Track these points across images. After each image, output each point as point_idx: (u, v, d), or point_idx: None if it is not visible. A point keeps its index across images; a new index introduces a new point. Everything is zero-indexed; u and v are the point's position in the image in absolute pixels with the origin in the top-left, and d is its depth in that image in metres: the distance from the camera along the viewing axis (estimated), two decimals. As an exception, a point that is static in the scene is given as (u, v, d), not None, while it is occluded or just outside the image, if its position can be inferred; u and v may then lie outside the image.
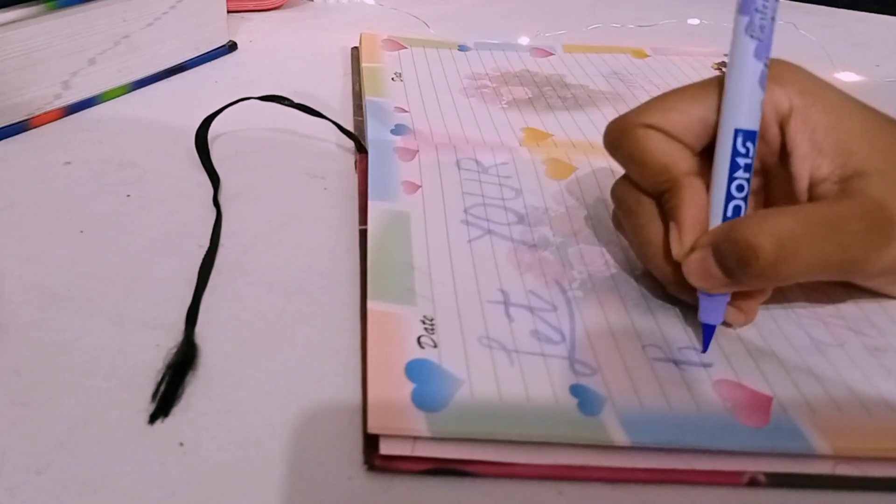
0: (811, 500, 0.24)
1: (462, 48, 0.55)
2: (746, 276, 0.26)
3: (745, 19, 0.28)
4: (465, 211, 0.35)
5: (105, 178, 0.38)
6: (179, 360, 0.27)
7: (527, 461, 0.24)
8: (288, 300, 0.31)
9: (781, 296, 0.31)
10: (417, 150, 0.39)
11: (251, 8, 0.64)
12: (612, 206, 0.34)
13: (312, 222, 0.36)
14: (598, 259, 0.32)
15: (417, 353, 0.26)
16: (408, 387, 0.25)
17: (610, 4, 0.72)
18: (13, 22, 0.40)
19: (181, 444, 0.24)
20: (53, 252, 0.33)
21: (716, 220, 0.28)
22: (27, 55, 0.41)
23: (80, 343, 0.28)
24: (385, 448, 0.24)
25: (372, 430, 0.23)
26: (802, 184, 0.28)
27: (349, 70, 0.53)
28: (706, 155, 0.29)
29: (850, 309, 0.30)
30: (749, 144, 0.28)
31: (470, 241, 0.33)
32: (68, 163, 0.40)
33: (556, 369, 0.26)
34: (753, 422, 0.25)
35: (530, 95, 0.48)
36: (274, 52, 0.56)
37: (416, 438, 0.24)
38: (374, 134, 0.41)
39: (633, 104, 0.48)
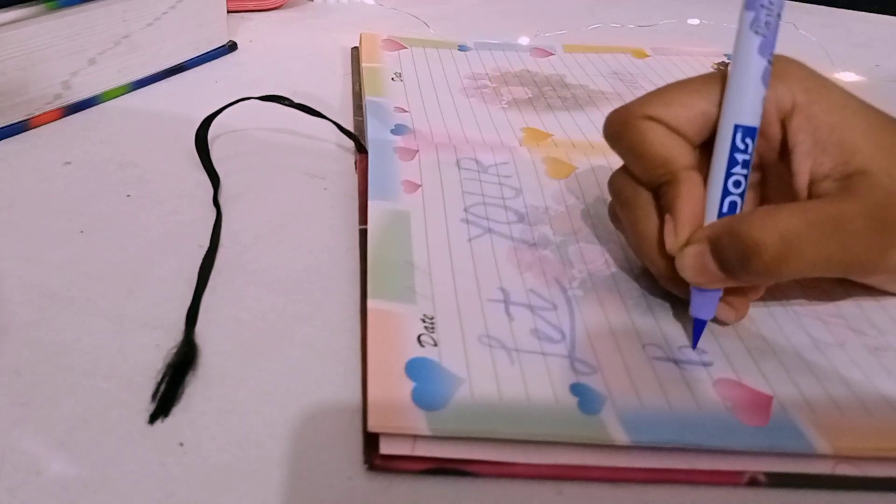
0: (811, 500, 0.24)
1: (462, 48, 0.55)
2: (748, 272, 0.26)
3: (750, 15, 0.28)
4: (466, 210, 0.35)
5: (105, 178, 0.38)
6: (179, 360, 0.27)
7: (527, 461, 0.24)
8: (288, 300, 0.31)
9: (782, 295, 0.31)
10: (417, 150, 0.39)
11: (251, 8, 0.64)
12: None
13: (312, 222, 0.36)
14: (599, 258, 0.32)
15: (418, 352, 0.26)
16: (408, 385, 0.25)
17: (610, 4, 0.72)
18: (13, 22, 0.40)
19: (181, 444, 0.24)
20: (53, 252, 0.33)
21: (711, 215, 0.28)
22: (27, 55, 0.41)
23: (80, 343, 0.28)
24: (385, 447, 0.24)
25: (372, 428, 0.23)
26: (803, 180, 0.28)
27: (349, 70, 0.53)
28: (706, 149, 0.29)
29: (851, 308, 0.30)
30: (748, 141, 0.28)
31: (470, 239, 0.33)
32: (68, 163, 0.40)
33: (556, 368, 0.26)
34: (754, 421, 0.25)
35: (530, 95, 0.48)
36: (274, 52, 0.56)
37: (415, 438, 0.24)
38: (374, 134, 0.41)
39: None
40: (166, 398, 0.26)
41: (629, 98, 0.48)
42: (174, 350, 0.27)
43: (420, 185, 0.36)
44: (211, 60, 0.53)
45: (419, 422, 0.24)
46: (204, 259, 0.32)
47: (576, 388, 0.25)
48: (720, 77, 0.29)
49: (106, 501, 0.22)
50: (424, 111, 0.45)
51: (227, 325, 0.29)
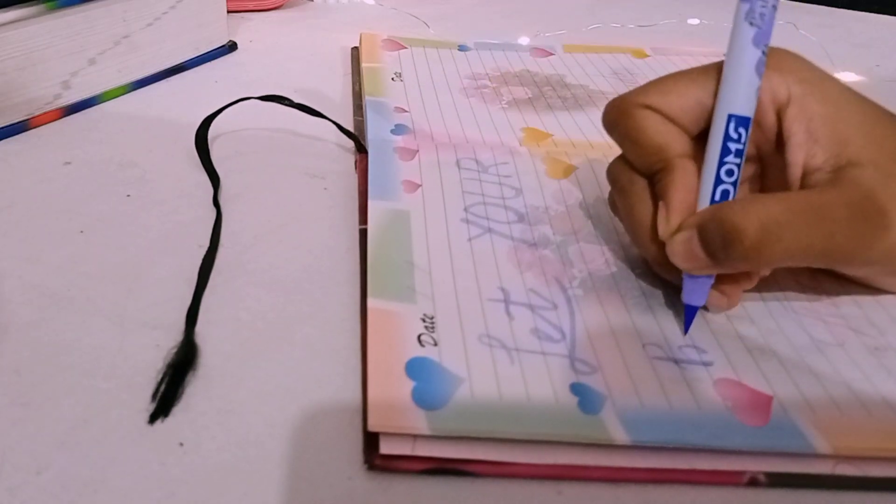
0: (811, 500, 0.24)
1: (462, 48, 0.55)
2: (729, 257, 0.26)
3: (745, 6, 0.28)
4: (466, 209, 0.35)
5: (105, 178, 0.38)
6: (179, 360, 0.27)
7: (527, 461, 0.24)
8: (288, 300, 0.31)
9: (781, 294, 0.31)
10: (417, 150, 0.39)
11: (251, 8, 0.64)
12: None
13: (312, 222, 0.36)
14: (599, 258, 0.32)
15: (418, 352, 0.26)
16: (408, 385, 0.25)
17: (610, 4, 0.72)
18: (13, 22, 0.40)
19: (181, 444, 0.24)
20: (53, 252, 0.33)
21: (704, 203, 0.28)
22: (27, 55, 0.41)
23: (80, 343, 0.28)
24: (385, 447, 0.24)
25: (372, 428, 0.23)
26: (796, 171, 0.28)
27: (349, 70, 0.53)
28: (703, 139, 0.29)
29: (851, 308, 0.30)
30: (741, 130, 0.28)
31: (470, 239, 0.33)
32: (68, 163, 0.40)
33: (556, 368, 0.26)
34: (754, 421, 0.25)
35: (530, 95, 0.48)
36: (274, 52, 0.56)
37: (415, 438, 0.24)
38: (375, 134, 0.41)
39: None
40: (166, 398, 0.26)
41: (629, 98, 0.48)
42: (174, 350, 0.27)
43: (420, 185, 0.36)
44: (211, 60, 0.53)
45: (419, 421, 0.24)
46: (204, 259, 0.32)
47: (576, 388, 0.25)
48: (717, 68, 0.29)
49: (106, 501, 0.22)
50: (424, 111, 0.45)
51: (227, 325, 0.29)
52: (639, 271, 0.32)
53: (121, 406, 0.25)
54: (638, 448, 0.24)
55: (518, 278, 0.31)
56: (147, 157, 0.40)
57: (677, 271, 0.29)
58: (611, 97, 0.48)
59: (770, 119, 0.29)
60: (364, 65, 0.51)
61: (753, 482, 0.24)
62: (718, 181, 0.28)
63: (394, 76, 0.49)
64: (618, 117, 0.30)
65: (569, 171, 0.39)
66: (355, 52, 0.56)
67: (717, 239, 0.26)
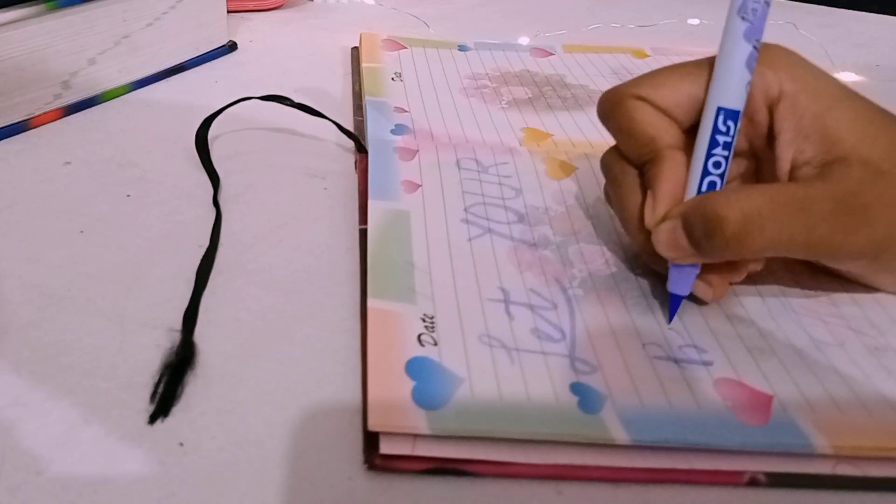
0: (811, 500, 0.24)
1: (462, 48, 0.55)
2: (712, 246, 0.27)
3: (738, 1, 0.28)
4: (466, 210, 0.35)
5: (105, 178, 0.38)
6: (178, 360, 0.27)
7: (527, 461, 0.24)
8: (288, 300, 0.31)
9: (781, 294, 0.31)
10: (417, 150, 0.39)
11: (251, 8, 0.64)
12: (612, 205, 0.34)
13: (312, 222, 0.36)
14: (599, 258, 0.32)
15: (418, 351, 0.26)
16: (408, 385, 0.25)
17: (610, 4, 0.72)
18: (13, 22, 0.40)
19: (181, 444, 0.24)
20: (53, 252, 0.33)
21: (690, 195, 0.29)
22: (27, 55, 0.41)
23: (80, 343, 0.28)
24: (385, 447, 0.24)
25: (372, 427, 0.23)
26: (784, 166, 0.29)
27: (349, 70, 0.53)
28: (694, 132, 0.30)
29: (851, 308, 0.30)
30: (730, 123, 0.28)
31: (470, 239, 0.33)
32: (68, 163, 0.40)
33: (556, 367, 0.26)
34: (754, 420, 0.25)
35: (530, 95, 0.48)
36: (274, 52, 0.56)
37: (415, 437, 0.24)
38: (374, 134, 0.41)
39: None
40: (166, 398, 0.26)
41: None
42: (173, 350, 0.27)
43: (420, 185, 0.36)
44: (211, 60, 0.53)
45: (419, 421, 0.24)
46: (204, 259, 0.32)
47: (576, 388, 0.25)
48: (710, 62, 0.29)
49: (106, 501, 0.22)
50: (424, 111, 0.45)
51: (227, 325, 0.29)
52: (639, 271, 0.32)
53: (121, 406, 0.25)
54: (638, 448, 0.24)
55: (518, 278, 0.31)
56: (147, 157, 0.40)
57: (664, 261, 0.29)
58: (611, 97, 0.49)
59: (762, 115, 0.29)
60: (364, 65, 0.51)
61: (753, 482, 0.24)
62: (706, 173, 0.28)
63: (394, 76, 0.49)
64: (611, 108, 0.31)
65: (569, 171, 0.39)
66: (355, 52, 0.56)
67: (699, 228, 0.27)
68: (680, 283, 0.29)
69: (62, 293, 0.30)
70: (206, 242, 0.33)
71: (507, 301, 0.29)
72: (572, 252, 0.33)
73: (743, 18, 0.28)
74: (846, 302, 0.31)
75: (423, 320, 0.28)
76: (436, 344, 0.27)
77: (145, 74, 0.48)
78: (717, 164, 0.28)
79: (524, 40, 0.58)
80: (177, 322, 0.29)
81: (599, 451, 0.24)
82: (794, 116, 0.28)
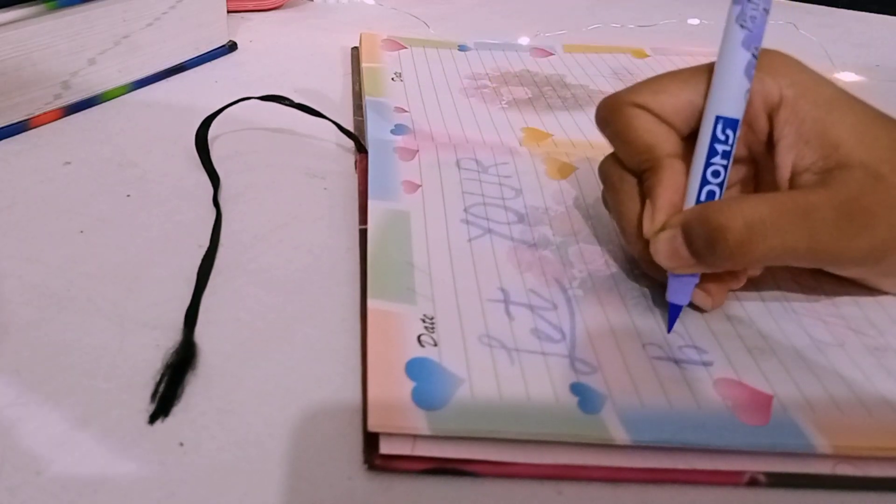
0: (811, 500, 0.24)
1: (462, 48, 0.55)
2: (714, 256, 0.27)
3: (736, 8, 0.28)
4: (465, 210, 0.35)
5: (105, 178, 0.38)
6: (178, 359, 0.27)
7: (527, 461, 0.24)
8: (288, 300, 0.31)
9: (781, 294, 0.31)
10: (417, 150, 0.39)
11: (251, 8, 0.64)
12: (612, 205, 0.34)
13: (312, 222, 0.36)
14: (599, 258, 0.32)
15: (418, 352, 0.26)
16: (408, 385, 0.25)
17: (610, 4, 0.72)
18: (13, 22, 0.40)
19: (181, 444, 0.24)
20: (53, 252, 0.33)
21: (690, 204, 0.29)
22: (27, 55, 0.41)
23: (80, 343, 0.28)
24: (385, 447, 0.24)
25: (372, 428, 0.23)
26: (784, 173, 0.29)
27: (349, 70, 0.53)
28: (693, 139, 0.29)
29: (851, 308, 0.30)
30: (729, 132, 0.28)
31: (470, 240, 0.33)
32: (68, 163, 0.40)
33: (556, 368, 0.26)
34: (754, 420, 0.25)
35: (530, 95, 0.48)
36: (274, 52, 0.56)
37: (415, 437, 0.24)
38: (374, 134, 0.41)
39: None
40: (166, 398, 0.26)
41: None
42: (173, 350, 0.27)
43: (420, 185, 0.36)
44: (211, 60, 0.53)
45: (419, 422, 0.24)
46: (204, 259, 0.32)
47: (576, 388, 0.25)
48: (709, 69, 0.29)
49: (106, 501, 0.22)
50: (424, 111, 0.45)
51: (227, 325, 0.29)
52: (638, 272, 0.32)
53: (121, 406, 0.25)
54: (638, 448, 0.24)
55: (518, 279, 0.31)
56: (147, 157, 0.40)
57: (662, 270, 0.29)
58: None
59: (762, 121, 0.29)
60: (364, 65, 0.51)
61: (753, 482, 0.24)
62: (704, 182, 0.28)
63: (394, 76, 0.49)
64: (609, 115, 0.31)
65: (569, 171, 0.39)
66: (355, 52, 0.56)
67: (701, 238, 0.27)
68: (679, 292, 0.28)
69: (62, 293, 0.30)
70: (206, 242, 0.33)
71: (507, 301, 0.29)
72: (572, 252, 0.33)
73: (741, 26, 0.28)
74: (846, 302, 0.31)
75: (423, 321, 0.28)
76: (436, 344, 0.27)
77: (145, 74, 0.48)
78: (715, 174, 0.28)
79: (524, 40, 0.58)
80: (177, 322, 0.29)
81: (599, 451, 0.24)
82: (794, 122, 0.28)
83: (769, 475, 0.24)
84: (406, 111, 0.45)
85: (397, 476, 0.24)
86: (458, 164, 0.38)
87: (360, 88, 0.48)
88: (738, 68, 0.28)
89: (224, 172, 0.39)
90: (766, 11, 0.28)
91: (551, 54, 0.55)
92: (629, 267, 0.32)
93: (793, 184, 0.28)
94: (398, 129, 0.42)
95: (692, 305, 0.29)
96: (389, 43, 0.55)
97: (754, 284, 0.31)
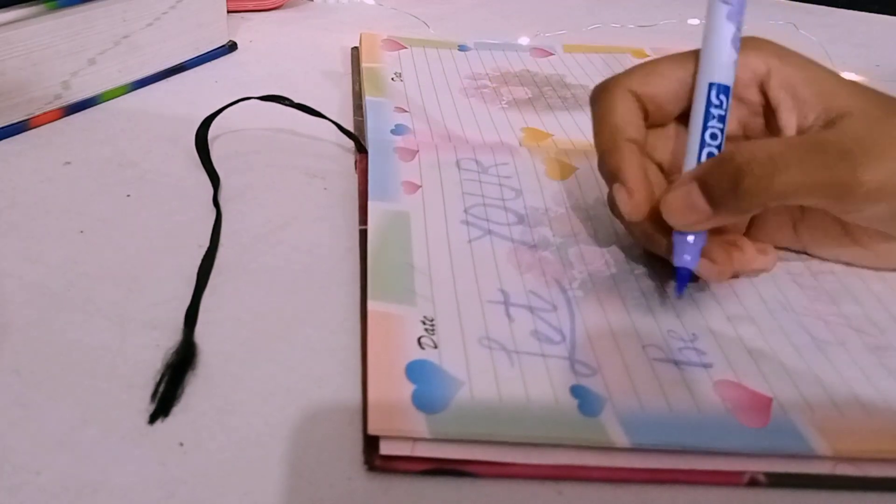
0: (811, 500, 0.24)
1: (462, 48, 0.55)
2: (737, 197, 0.27)
3: None
4: (466, 211, 0.35)
5: (105, 178, 0.38)
6: (178, 359, 0.27)
7: (527, 461, 0.24)
8: (288, 300, 0.31)
9: (781, 294, 0.31)
10: (417, 151, 0.39)
11: (251, 8, 0.64)
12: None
13: (312, 222, 0.36)
14: (599, 259, 0.32)
15: (418, 354, 0.26)
16: (408, 388, 0.25)
17: (610, 4, 0.72)
18: (13, 22, 0.40)
19: (181, 444, 0.24)
20: (53, 252, 0.33)
21: (690, 166, 0.30)
22: (27, 55, 0.41)
23: (80, 343, 0.28)
24: (385, 448, 0.24)
25: (372, 431, 0.23)
26: (791, 133, 0.30)
27: (349, 70, 0.53)
28: (684, 119, 0.31)
29: (851, 307, 0.30)
30: (722, 97, 0.30)
31: (470, 241, 0.33)
32: (68, 163, 0.40)
33: (556, 370, 0.26)
34: (753, 422, 0.25)
35: (530, 95, 0.48)
36: (274, 52, 0.56)
37: (415, 438, 0.24)
38: (374, 134, 0.41)
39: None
40: (166, 398, 0.26)
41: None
42: (173, 350, 0.27)
43: (420, 186, 0.36)
44: (211, 60, 0.53)
45: (419, 424, 0.24)
46: (204, 259, 0.32)
47: (576, 390, 0.25)
48: (698, 52, 0.31)
49: (106, 501, 0.22)
50: (424, 111, 0.45)
51: (227, 325, 0.29)
52: (639, 272, 0.32)
53: (121, 406, 0.25)
54: (638, 449, 0.24)
55: (518, 280, 0.31)
56: (147, 157, 0.40)
57: (663, 242, 0.30)
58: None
59: (754, 94, 0.31)
60: (364, 65, 0.51)
61: (753, 482, 0.24)
62: (703, 144, 0.30)
63: (394, 76, 0.49)
64: (596, 95, 0.32)
65: (569, 171, 0.39)
66: (355, 52, 0.56)
67: (724, 180, 0.27)
68: (685, 254, 0.29)
69: (62, 293, 0.30)
70: (206, 242, 0.33)
71: (507, 303, 0.29)
72: (572, 253, 0.33)
73: (724, 2, 0.30)
74: (847, 301, 0.31)
75: (424, 323, 0.28)
76: (436, 347, 0.27)
77: (145, 74, 0.48)
78: (713, 136, 0.29)
79: (524, 40, 0.58)
80: (177, 322, 0.29)
81: (599, 452, 0.24)
82: (786, 86, 0.30)
83: (769, 475, 0.24)
84: (406, 111, 0.45)
85: (397, 477, 0.24)
86: (458, 164, 0.38)
87: (360, 88, 0.48)
88: (725, 39, 0.30)
89: (224, 172, 0.39)
90: None
91: (551, 54, 0.55)
92: (629, 267, 0.32)
93: None
94: (398, 129, 0.42)
95: (697, 282, 0.30)
96: (389, 43, 0.55)
97: (774, 282, 0.31)
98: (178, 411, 0.25)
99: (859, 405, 0.26)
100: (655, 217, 0.29)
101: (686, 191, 0.28)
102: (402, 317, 0.28)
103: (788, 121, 0.30)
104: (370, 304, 0.28)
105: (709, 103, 0.30)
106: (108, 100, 0.46)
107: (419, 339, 0.27)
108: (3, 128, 0.41)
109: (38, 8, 0.41)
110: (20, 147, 0.41)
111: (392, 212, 0.34)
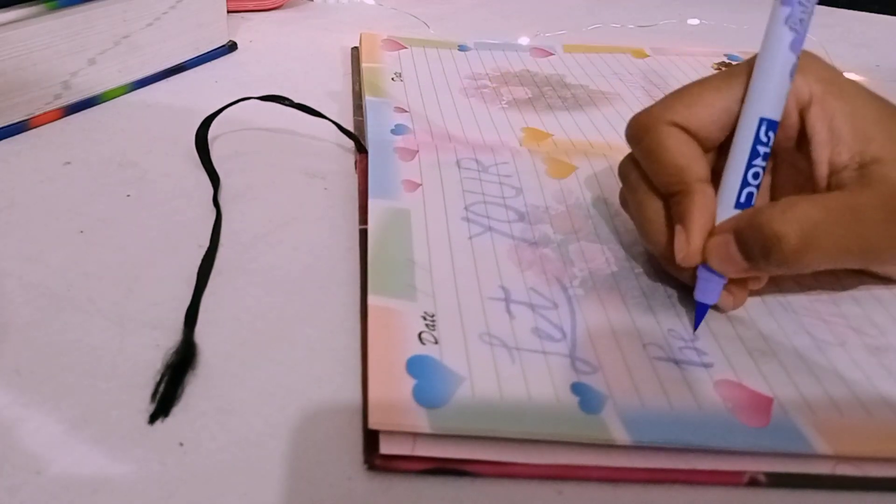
0: (811, 500, 0.24)
1: (462, 48, 0.55)
2: (769, 262, 0.27)
3: (786, 10, 0.28)
4: (466, 208, 0.35)
5: (105, 178, 0.38)
6: (178, 359, 0.27)
7: (527, 461, 0.24)
8: (288, 300, 0.31)
9: (781, 294, 0.31)
10: (417, 150, 0.39)
11: (251, 8, 0.64)
12: (612, 205, 0.34)
13: (312, 222, 0.36)
14: (599, 257, 0.32)
15: (418, 350, 0.26)
16: (409, 383, 0.25)
17: (610, 4, 0.72)
18: (13, 22, 0.40)
19: (181, 444, 0.24)
20: (53, 252, 0.33)
21: (728, 204, 0.28)
22: (27, 55, 0.41)
23: (80, 343, 0.28)
24: (385, 447, 0.24)
25: (373, 426, 0.23)
26: (822, 170, 0.28)
27: (349, 70, 0.53)
28: (725, 146, 0.29)
29: (851, 307, 0.30)
30: (771, 134, 0.28)
31: (471, 237, 0.33)
32: (68, 163, 0.40)
33: (557, 367, 0.26)
34: (754, 422, 0.25)
35: (530, 95, 0.48)
36: (274, 52, 0.56)
37: (415, 437, 0.24)
38: (374, 134, 0.41)
39: (633, 104, 0.48)
40: (166, 398, 0.26)
41: (629, 98, 0.48)
42: (173, 350, 0.27)
43: (420, 184, 0.36)
44: (211, 60, 0.53)
45: (420, 420, 0.24)
46: (204, 259, 0.32)
47: (577, 388, 0.25)
48: (741, 72, 0.29)
49: (106, 501, 0.22)
50: (424, 111, 0.45)
51: (227, 325, 0.29)
52: (639, 271, 0.32)
53: (121, 406, 0.25)
54: (638, 448, 0.24)
55: (519, 277, 0.31)
56: (147, 157, 0.40)
57: (688, 271, 0.29)
58: (611, 97, 0.49)
59: (792, 118, 0.29)
60: (364, 65, 0.51)
61: (753, 482, 0.24)
62: (745, 184, 0.28)
63: (394, 76, 0.49)
64: (641, 133, 0.30)
65: (569, 170, 0.39)
66: (355, 52, 0.56)
67: (756, 245, 0.27)
68: (708, 292, 0.28)
69: (62, 293, 0.30)
70: (206, 242, 0.33)
71: (507, 300, 0.29)
72: (573, 251, 0.33)
73: (791, 28, 0.28)
74: (847, 301, 0.31)
75: (424, 318, 0.28)
76: (436, 342, 0.27)
77: (145, 74, 0.48)
78: (755, 175, 0.28)
79: (524, 40, 0.58)
80: (177, 322, 0.29)
81: (600, 452, 0.24)
82: (825, 118, 0.28)
83: (769, 475, 0.24)
84: (406, 111, 0.45)
85: (397, 476, 0.24)
86: (458, 163, 0.38)
87: (360, 88, 0.48)
88: (784, 70, 0.28)
89: (224, 172, 0.39)
90: (812, 14, 0.28)
91: (551, 54, 0.55)
92: (630, 266, 0.32)
93: (832, 182, 0.28)
94: (398, 129, 0.42)
95: (713, 306, 0.29)
96: (389, 43, 0.55)
97: (776, 284, 0.31)
98: (178, 411, 0.25)
99: (859, 405, 0.26)
100: None
101: (724, 240, 0.28)
102: (402, 312, 0.28)
103: (821, 154, 0.28)
104: (371, 299, 0.28)
105: (757, 140, 0.28)
106: (108, 100, 0.46)
107: (420, 335, 0.27)
108: (3, 128, 0.41)
109: (38, 8, 0.41)
110: (20, 147, 0.41)
111: (392, 209, 0.34)
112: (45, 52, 0.42)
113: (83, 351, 0.28)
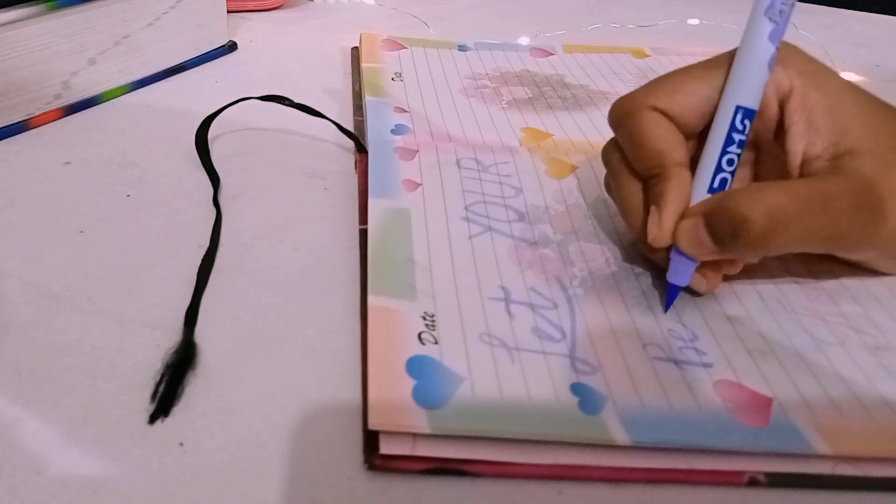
0: (811, 500, 0.24)
1: (462, 48, 0.55)
2: (737, 245, 0.27)
3: (766, 2, 0.28)
4: (466, 208, 0.35)
5: (105, 178, 0.38)
6: (178, 359, 0.27)
7: (527, 461, 0.24)
8: (288, 300, 0.31)
9: (781, 294, 0.31)
10: (417, 150, 0.39)
11: (251, 8, 0.64)
12: (612, 205, 0.34)
13: (312, 222, 0.36)
14: (599, 257, 0.32)
15: (418, 350, 0.26)
16: (409, 383, 0.25)
17: (610, 4, 0.72)
18: (13, 22, 0.40)
19: (181, 444, 0.24)
20: (53, 252, 0.33)
21: (701, 189, 0.29)
22: (27, 55, 0.41)
23: (80, 343, 0.28)
24: (385, 447, 0.24)
25: (373, 426, 0.23)
26: (795, 159, 0.29)
27: (349, 70, 0.53)
28: (703, 134, 0.30)
29: (851, 307, 0.30)
30: (747, 122, 0.29)
31: (471, 237, 0.33)
32: (68, 163, 0.40)
33: (556, 367, 0.26)
34: (753, 422, 0.25)
35: (530, 95, 0.48)
36: (274, 52, 0.56)
37: (415, 437, 0.24)
38: (374, 134, 0.41)
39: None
40: (166, 398, 0.26)
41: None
42: (173, 350, 0.27)
43: (420, 184, 0.36)
44: (211, 60, 0.53)
45: (420, 420, 0.24)
46: (204, 259, 0.32)
47: (576, 388, 0.25)
48: (721, 62, 0.30)
49: (106, 501, 0.22)
50: (424, 111, 0.45)
51: (227, 325, 0.29)
52: (639, 271, 0.32)
53: (121, 406, 0.25)
54: (638, 448, 0.24)
55: (519, 277, 0.31)
56: (147, 157, 0.40)
57: (661, 252, 0.29)
58: (610, 97, 0.49)
59: (772, 109, 0.29)
60: (364, 65, 0.51)
61: (753, 482, 0.24)
62: (719, 169, 0.29)
63: (394, 76, 0.49)
64: (623, 117, 0.31)
65: (569, 171, 0.39)
66: (355, 52, 0.56)
67: (724, 227, 0.27)
68: (680, 274, 0.29)
69: (62, 293, 0.30)
70: (206, 242, 0.33)
71: (507, 300, 0.29)
72: (573, 250, 0.33)
73: (770, 19, 0.28)
74: (846, 300, 0.31)
75: (424, 318, 0.28)
76: (436, 342, 0.27)
77: (145, 74, 0.48)
78: (730, 162, 0.29)
79: (524, 40, 0.58)
80: (177, 322, 0.29)
81: (600, 452, 0.24)
82: (804, 110, 0.29)
83: (769, 475, 0.24)
84: (406, 111, 0.45)
85: (397, 476, 0.24)
86: (458, 163, 0.38)
87: (360, 88, 0.48)
88: (762, 61, 0.28)
89: (224, 172, 0.39)
90: (793, 5, 0.28)
91: (551, 54, 0.55)
92: (630, 265, 0.32)
93: (804, 170, 0.29)
94: (398, 129, 0.42)
95: (687, 289, 0.30)
96: (389, 43, 0.55)
97: (748, 276, 0.31)
98: (178, 411, 0.25)
99: (859, 405, 0.26)
100: None
101: (694, 224, 0.28)
102: (402, 312, 0.28)
103: (796, 145, 0.29)
104: (370, 299, 0.28)
105: (732, 127, 0.28)
106: (108, 100, 0.46)
107: (420, 335, 0.27)
108: (3, 128, 0.41)
109: (38, 8, 0.41)
110: (20, 147, 0.41)
111: (392, 209, 0.34)
112: (45, 52, 0.42)
113: (83, 351, 0.28)
